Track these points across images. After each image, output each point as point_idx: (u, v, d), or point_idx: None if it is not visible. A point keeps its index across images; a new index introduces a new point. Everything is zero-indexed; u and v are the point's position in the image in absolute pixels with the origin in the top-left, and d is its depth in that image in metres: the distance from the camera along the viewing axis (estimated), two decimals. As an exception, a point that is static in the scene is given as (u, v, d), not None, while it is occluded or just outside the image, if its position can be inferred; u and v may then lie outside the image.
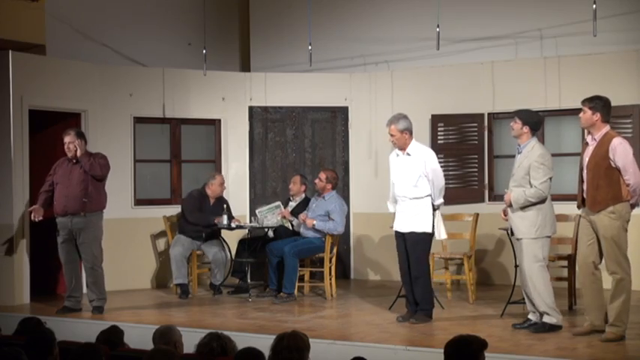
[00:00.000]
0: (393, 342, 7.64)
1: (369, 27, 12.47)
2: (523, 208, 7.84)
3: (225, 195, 11.73)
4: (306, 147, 12.30)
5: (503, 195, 8.11)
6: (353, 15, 12.63)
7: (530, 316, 8.05)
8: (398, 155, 8.65)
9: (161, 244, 11.42)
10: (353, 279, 12.14)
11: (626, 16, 10.70)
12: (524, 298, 8.09)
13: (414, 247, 8.50)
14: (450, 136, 11.47)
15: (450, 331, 7.48)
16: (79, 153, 9.30)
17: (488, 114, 11.32)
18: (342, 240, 11.41)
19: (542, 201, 7.82)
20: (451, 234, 10.21)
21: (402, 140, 8.55)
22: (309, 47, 10.38)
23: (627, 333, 7.47)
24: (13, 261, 10.05)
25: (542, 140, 10.92)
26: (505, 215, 8.08)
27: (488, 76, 11.36)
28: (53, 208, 9.42)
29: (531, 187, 7.78)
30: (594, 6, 8.51)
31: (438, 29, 9.50)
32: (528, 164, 7.83)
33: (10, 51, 10.17)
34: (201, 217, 10.79)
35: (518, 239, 7.93)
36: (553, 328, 7.78)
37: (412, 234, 8.50)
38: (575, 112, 9.35)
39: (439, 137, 11.56)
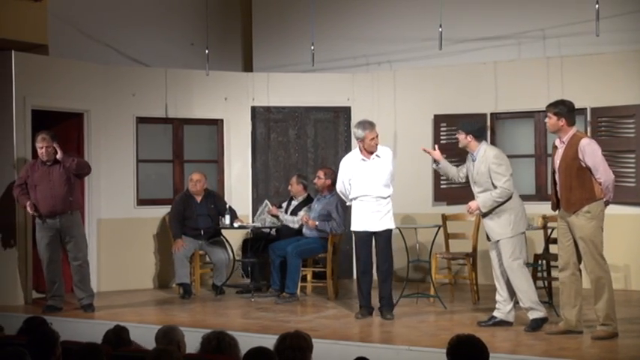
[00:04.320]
0: (396, 342, 7.65)
1: (371, 27, 12.46)
2: (494, 210, 7.96)
3: (227, 194, 11.77)
4: (309, 147, 12.30)
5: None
6: (355, 15, 12.63)
7: (495, 314, 8.18)
8: (364, 160, 8.81)
9: (164, 244, 11.41)
10: (355, 279, 12.12)
11: (629, 15, 10.69)
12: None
13: (387, 244, 8.81)
14: (453, 136, 11.42)
15: (452, 331, 7.44)
16: (59, 155, 9.41)
17: (491, 114, 11.32)
18: (345, 240, 11.40)
19: (511, 200, 7.96)
20: (453, 234, 10.24)
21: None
22: (312, 47, 10.38)
23: (630, 332, 7.48)
24: (17, 261, 10.05)
25: (545, 141, 10.96)
26: (471, 209, 8.19)
27: (490, 76, 11.35)
28: (34, 210, 9.49)
29: (495, 188, 7.92)
30: (597, 6, 8.51)
31: (440, 29, 9.50)
32: (487, 168, 8.02)
33: (12, 51, 10.17)
34: (174, 226, 10.87)
35: (496, 242, 8.04)
36: (543, 321, 7.88)
37: (387, 231, 8.79)
38: (578, 112, 9.36)
39: (442, 137, 11.55)
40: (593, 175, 7.40)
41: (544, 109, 10.87)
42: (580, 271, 7.62)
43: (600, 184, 7.40)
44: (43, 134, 9.49)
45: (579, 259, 7.55)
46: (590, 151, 7.40)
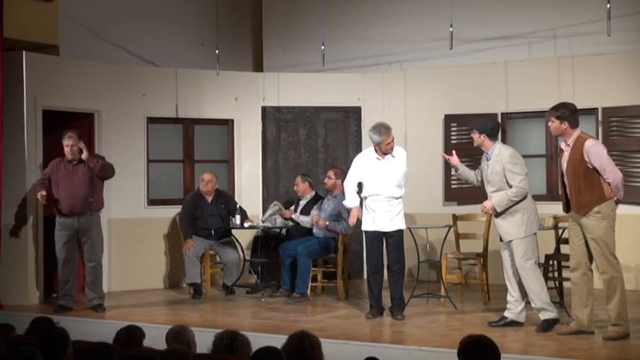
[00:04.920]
0: (406, 342, 7.64)
1: (382, 27, 12.45)
2: (507, 210, 7.95)
3: (237, 194, 11.78)
4: (319, 147, 12.30)
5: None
6: (366, 15, 12.62)
7: (506, 314, 8.18)
8: (379, 159, 8.77)
9: (174, 244, 11.42)
10: (366, 279, 12.11)
11: (640, 15, 10.66)
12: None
13: (398, 245, 8.79)
14: (463, 136, 11.43)
15: (463, 331, 7.43)
16: (84, 155, 9.44)
17: (502, 114, 11.30)
18: (355, 240, 11.39)
19: (524, 200, 7.95)
20: (464, 234, 10.22)
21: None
22: (322, 47, 10.37)
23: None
24: (26, 261, 10.08)
25: (555, 141, 10.94)
26: (486, 208, 8.16)
27: (501, 75, 11.33)
28: (55, 207, 9.54)
29: (511, 187, 7.91)
30: (608, 5, 8.47)
31: (451, 29, 9.47)
32: (502, 167, 8.00)
33: (23, 51, 10.20)
34: (185, 227, 10.89)
35: (508, 242, 8.03)
36: (554, 322, 7.88)
37: (398, 232, 8.78)
38: (589, 111, 9.38)
39: (452, 137, 11.54)
40: (601, 175, 7.38)
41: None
42: (591, 271, 7.60)
43: (609, 184, 7.38)
44: (69, 132, 9.55)
45: (591, 259, 7.53)
46: (596, 152, 7.38)
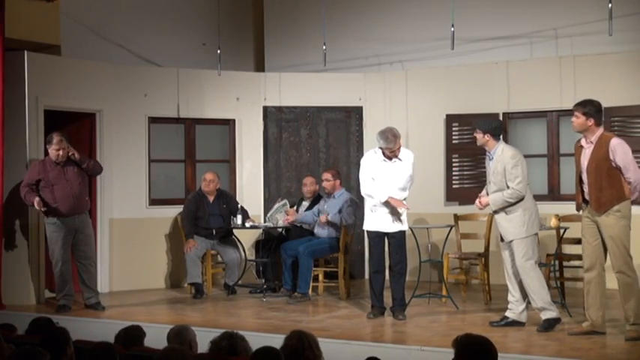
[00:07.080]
0: (408, 342, 7.64)
1: (383, 27, 12.45)
2: (508, 210, 7.95)
3: (239, 194, 11.78)
4: (321, 147, 12.29)
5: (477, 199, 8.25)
6: (367, 15, 12.62)
7: (507, 314, 8.18)
8: (385, 161, 8.76)
9: (175, 243, 11.42)
10: (367, 279, 12.11)
11: (642, 15, 10.65)
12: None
13: (400, 246, 8.80)
14: (465, 136, 11.44)
15: (464, 331, 7.35)
16: (77, 157, 9.56)
17: (503, 113, 11.29)
18: (357, 240, 11.40)
19: (525, 200, 7.93)
20: (465, 234, 10.22)
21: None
22: (324, 47, 10.37)
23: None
24: (29, 261, 10.08)
25: (557, 141, 10.94)
26: (481, 204, 8.19)
27: (503, 75, 11.33)
28: (51, 209, 9.49)
29: (508, 188, 7.91)
30: (610, 5, 8.46)
31: (452, 29, 9.47)
32: (503, 167, 7.99)
33: (25, 51, 10.21)
34: (187, 226, 10.90)
35: (509, 242, 8.02)
36: (556, 321, 7.88)
37: (400, 233, 8.79)
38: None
39: (454, 137, 11.54)
40: (622, 174, 7.34)
41: (557, 108, 10.93)
42: (604, 270, 7.54)
43: (629, 183, 7.34)
44: (59, 136, 9.53)
45: (606, 259, 7.50)
46: (622, 151, 7.34)
